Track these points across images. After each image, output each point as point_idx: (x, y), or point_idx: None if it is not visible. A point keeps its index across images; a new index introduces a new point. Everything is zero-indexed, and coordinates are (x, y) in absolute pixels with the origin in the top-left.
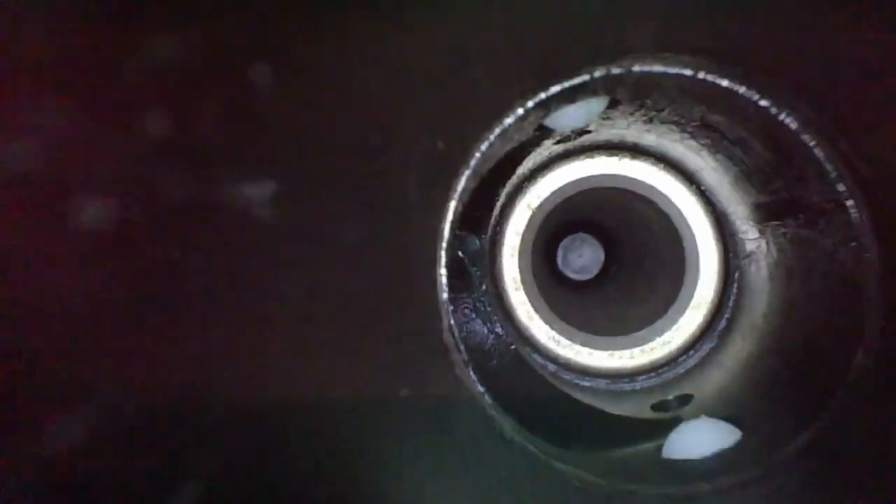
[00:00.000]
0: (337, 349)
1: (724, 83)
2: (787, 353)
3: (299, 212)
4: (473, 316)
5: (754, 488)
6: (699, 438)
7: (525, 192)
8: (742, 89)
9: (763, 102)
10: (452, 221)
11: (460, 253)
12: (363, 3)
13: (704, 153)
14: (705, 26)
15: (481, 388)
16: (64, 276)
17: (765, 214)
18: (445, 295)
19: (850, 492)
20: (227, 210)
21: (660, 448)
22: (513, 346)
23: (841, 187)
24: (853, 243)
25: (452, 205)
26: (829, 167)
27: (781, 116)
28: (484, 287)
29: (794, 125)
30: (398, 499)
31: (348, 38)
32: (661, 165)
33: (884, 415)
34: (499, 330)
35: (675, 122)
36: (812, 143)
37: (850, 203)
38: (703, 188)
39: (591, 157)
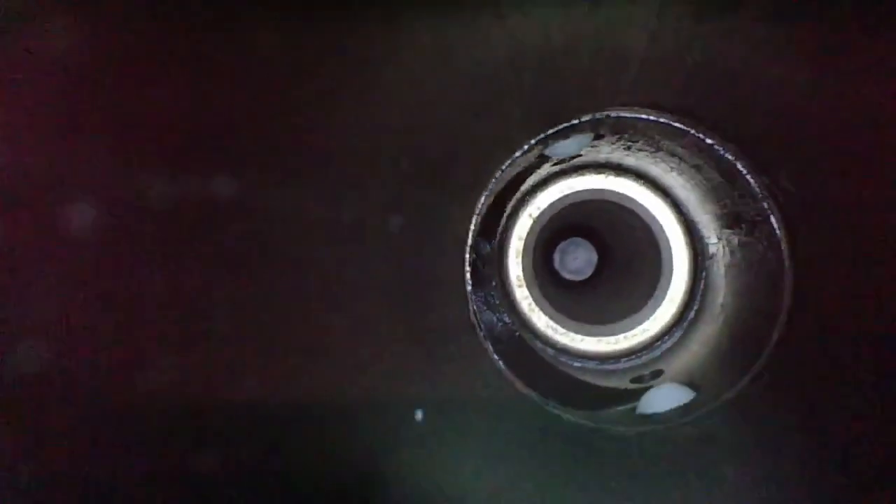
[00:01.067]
0: (386, 327)
1: (678, 125)
2: (731, 330)
3: (351, 220)
4: (485, 308)
5: (700, 427)
6: (664, 399)
7: (527, 204)
8: (692, 130)
9: (708, 140)
10: (474, 231)
11: (475, 255)
12: (409, 48)
13: (674, 174)
14: (663, 84)
15: (496, 357)
16: (80, 275)
17: (721, 224)
18: (469, 287)
19: (771, 424)
20: (278, 213)
21: (634, 408)
22: (517, 333)
23: (765, 205)
24: (775, 247)
25: (475, 219)
26: (756, 190)
27: (722, 151)
28: (494, 283)
29: (731, 157)
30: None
31: (392, 79)
32: (641, 182)
33: (794, 369)
34: (506, 319)
35: (647, 150)
36: (745, 172)
37: (772, 218)
38: (675, 201)
39: (582, 175)
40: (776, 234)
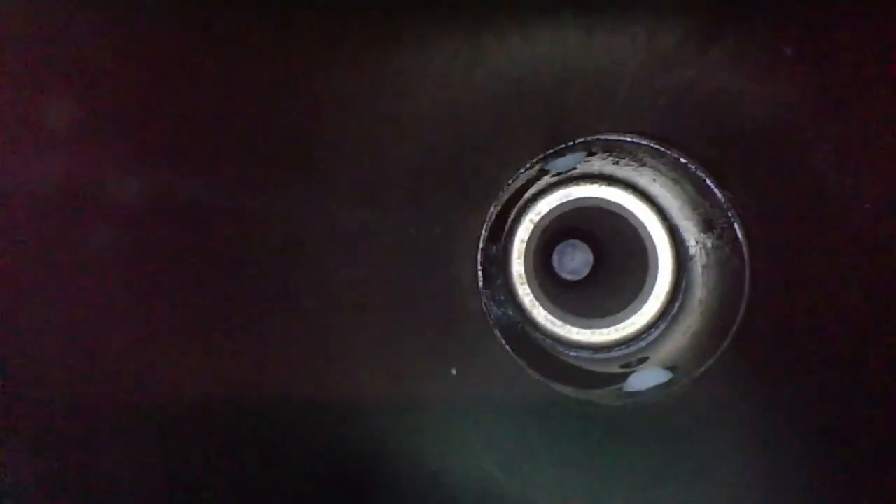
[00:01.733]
0: (409, 316)
1: (657, 147)
2: (705, 320)
3: (374, 229)
4: (492, 303)
5: (674, 401)
6: (646, 379)
7: (528, 210)
8: (669, 151)
9: (682, 160)
10: (485, 236)
11: (484, 257)
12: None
13: (657, 184)
14: (645, 112)
15: (504, 342)
16: (97, 276)
17: (698, 229)
18: (481, 283)
19: (737, 397)
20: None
21: (621, 387)
22: (520, 325)
23: (729, 214)
24: (738, 249)
25: (486, 225)
26: (722, 202)
27: (693, 169)
28: (499, 281)
29: (701, 174)
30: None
31: (414, 108)
32: (629, 191)
33: (752, 351)
34: (510, 313)
35: (633, 165)
36: (712, 187)
37: (735, 225)
38: (660, 208)
39: (578, 185)
40: (738, 238)
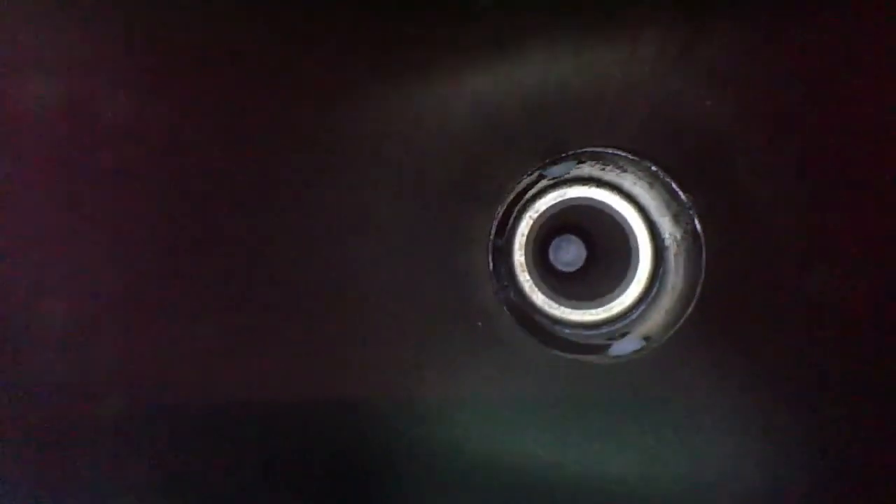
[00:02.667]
0: (430, 302)
1: (633, 157)
2: (675, 300)
3: (396, 229)
4: (498, 287)
5: (643, 360)
6: (625, 346)
7: (528, 209)
8: (643, 161)
9: (653, 168)
10: (494, 231)
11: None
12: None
13: (637, 187)
14: (623, 128)
15: (509, 312)
16: (118, 273)
17: (671, 225)
18: (491, 267)
19: (698, 359)
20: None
21: (605, 353)
22: (522, 307)
23: (691, 213)
24: (697, 241)
25: (494, 223)
26: (686, 202)
27: (662, 175)
28: (502, 270)
29: (668, 180)
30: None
31: (432, 124)
32: (614, 192)
33: (711, 322)
34: (512, 296)
35: (616, 171)
36: (677, 190)
37: (695, 221)
38: (641, 206)
39: (570, 187)
40: (698, 232)
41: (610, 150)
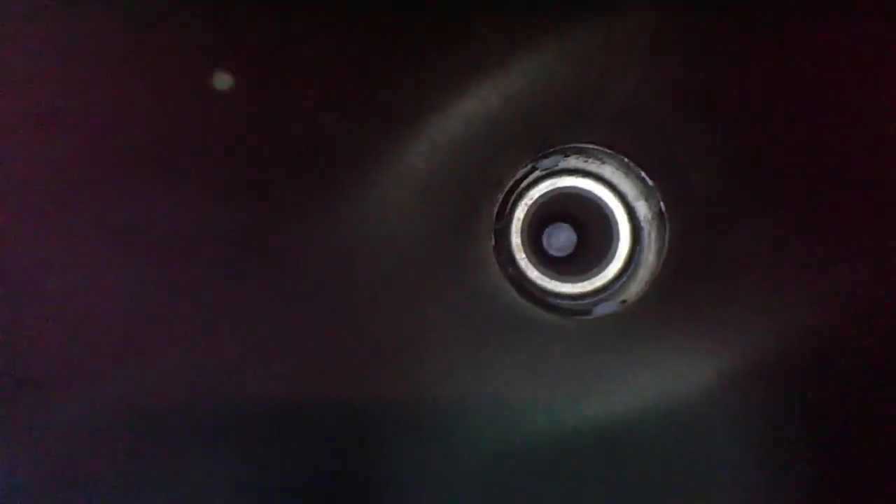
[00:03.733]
0: (442, 273)
1: (609, 151)
2: (646, 269)
3: (409, 209)
4: (498, 265)
5: (621, 317)
6: (605, 309)
7: (523, 197)
8: (618, 154)
9: (626, 160)
10: (495, 216)
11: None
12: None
13: (616, 176)
14: (601, 126)
15: (509, 284)
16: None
17: (645, 209)
18: (493, 244)
19: (664, 313)
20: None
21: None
22: (518, 281)
23: (658, 197)
24: (663, 221)
25: (495, 209)
26: (653, 187)
27: (632, 165)
28: (502, 249)
29: (637, 169)
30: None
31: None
32: (597, 181)
33: (677, 287)
34: (510, 271)
35: (598, 162)
36: (645, 177)
37: (661, 205)
38: (620, 193)
39: (560, 177)
40: (663, 213)
41: (590, 146)
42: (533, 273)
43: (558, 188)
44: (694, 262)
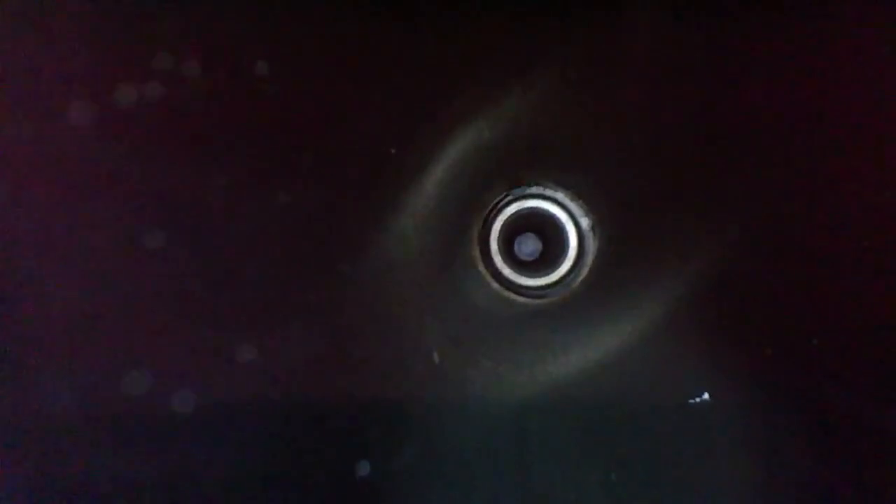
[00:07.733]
0: (439, 279)
1: (561, 185)
2: (588, 267)
3: (404, 232)
4: (481, 265)
5: (567, 299)
6: (557, 292)
7: (500, 215)
8: (567, 187)
9: (570, 190)
10: (479, 231)
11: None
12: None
13: (566, 199)
14: (555, 164)
15: (490, 278)
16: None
17: (586, 223)
18: (478, 250)
19: (598, 296)
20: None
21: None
22: (494, 276)
23: (591, 214)
24: (597, 233)
25: (477, 227)
26: (588, 208)
27: (573, 193)
28: (483, 254)
29: (575, 195)
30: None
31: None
32: (553, 203)
33: (608, 278)
34: (490, 269)
35: (551, 190)
36: (583, 202)
37: (593, 220)
38: (570, 212)
39: (527, 200)
40: (594, 227)
41: (546, 181)
42: (507, 271)
43: (526, 208)
44: (618, 261)
